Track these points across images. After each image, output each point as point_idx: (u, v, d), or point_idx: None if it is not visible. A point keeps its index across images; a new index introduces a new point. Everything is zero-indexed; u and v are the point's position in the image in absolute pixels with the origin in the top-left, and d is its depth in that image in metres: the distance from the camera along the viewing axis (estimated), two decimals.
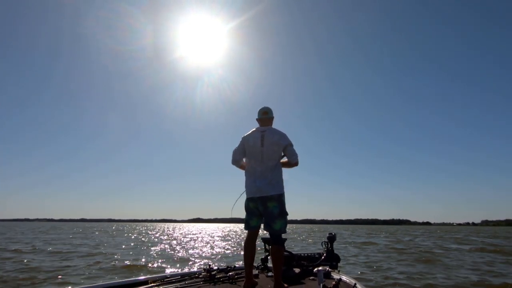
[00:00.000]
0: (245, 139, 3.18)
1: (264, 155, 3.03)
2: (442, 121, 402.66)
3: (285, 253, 3.53)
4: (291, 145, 3.10)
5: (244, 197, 3.15)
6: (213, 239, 21.65)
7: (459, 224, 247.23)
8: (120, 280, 3.02)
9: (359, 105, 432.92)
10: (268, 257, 3.72)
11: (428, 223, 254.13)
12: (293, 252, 3.89)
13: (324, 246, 4.03)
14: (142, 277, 3.14)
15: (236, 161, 3.25)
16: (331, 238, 3.99)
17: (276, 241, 2.96)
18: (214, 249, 13.58)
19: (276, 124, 3.30)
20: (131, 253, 12.35)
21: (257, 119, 3.29)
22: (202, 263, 8.81)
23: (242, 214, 3.18)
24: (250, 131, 3.22)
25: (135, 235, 27.90)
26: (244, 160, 3.26)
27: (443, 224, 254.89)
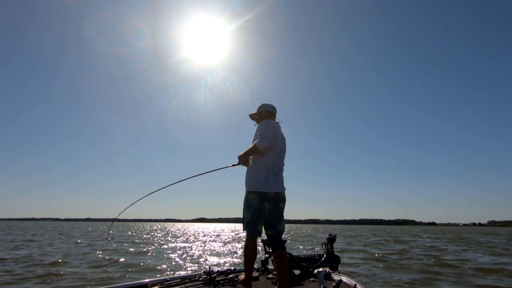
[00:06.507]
0: (276, 127, 2.86)
1: (284, 151, 2.96)
2: (448, 123, 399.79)
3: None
4: None
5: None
6: (214, 240, 21.64)
7: (465, 225, 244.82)
8: (119, 284, 2.98)
9: (364, 107, 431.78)
10: (269, 259, 3.69)
11: (433, 223, 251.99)
12: (293, 254, 3.86)
13: (324, 248, 3.97)
14: (141, 281, 3.11)
15: (271, 142, 2.73)
16: (331, 239, 3.91)
17: (279, 245, 2.85)
18: (214, 250, 13.51)
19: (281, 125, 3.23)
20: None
21: (269, 112, 3.07)
22: (202, 265, 8.71)
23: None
24: (273, 121, 2.98)
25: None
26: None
27: (449, 224, 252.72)
